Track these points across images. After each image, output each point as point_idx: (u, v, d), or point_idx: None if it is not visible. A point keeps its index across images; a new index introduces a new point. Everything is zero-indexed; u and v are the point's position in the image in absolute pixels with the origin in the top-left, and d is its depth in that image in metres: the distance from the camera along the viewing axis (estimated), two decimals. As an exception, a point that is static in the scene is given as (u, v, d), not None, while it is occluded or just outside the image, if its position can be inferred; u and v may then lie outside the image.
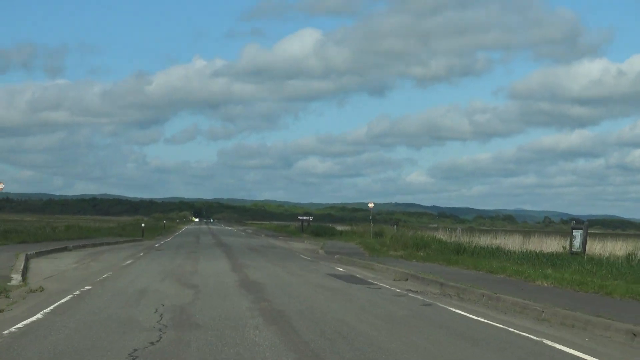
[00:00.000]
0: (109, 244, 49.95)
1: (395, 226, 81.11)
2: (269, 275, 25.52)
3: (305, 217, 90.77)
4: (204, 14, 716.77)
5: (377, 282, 25.14)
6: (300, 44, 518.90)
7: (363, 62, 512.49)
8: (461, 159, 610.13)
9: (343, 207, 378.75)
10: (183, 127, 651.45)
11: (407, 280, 26.63)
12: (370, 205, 64.99)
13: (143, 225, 66.06)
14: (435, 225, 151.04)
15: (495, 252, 37.28)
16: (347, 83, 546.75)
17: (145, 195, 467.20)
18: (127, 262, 31.18)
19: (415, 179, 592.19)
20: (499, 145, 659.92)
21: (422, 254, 41.31)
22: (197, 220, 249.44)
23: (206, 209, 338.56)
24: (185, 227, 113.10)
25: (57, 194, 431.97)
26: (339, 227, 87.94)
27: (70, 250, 41.34)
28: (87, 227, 66.69)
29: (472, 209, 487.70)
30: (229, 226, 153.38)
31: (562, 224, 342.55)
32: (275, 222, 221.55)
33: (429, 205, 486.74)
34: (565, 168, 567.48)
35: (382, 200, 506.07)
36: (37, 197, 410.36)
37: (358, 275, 28.07)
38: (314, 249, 55.26)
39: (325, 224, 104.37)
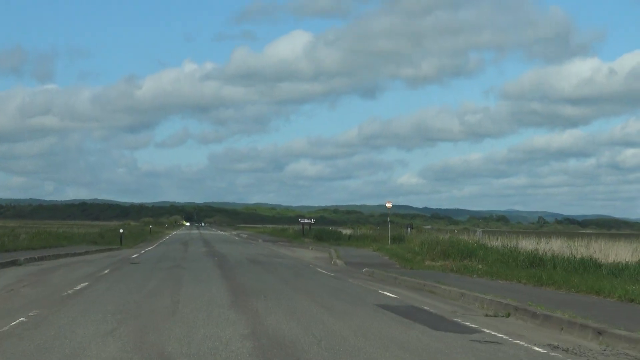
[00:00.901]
0: (76, 254, 39.72)
1: (409, 229, 71.23)
2: (297, 318, 15.05)
3: (306, 220, 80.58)
4: (194, 17, 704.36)
5: (470, 323, 15.05)
6: (291, 46, 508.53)
7: (354, 64, 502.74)
8: (452, 160, 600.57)
9: (336, 210, 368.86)
10: (173, 131, 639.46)
11: (509, 315, 16.52)
12: (389, 204, 54.87)
13: (122, 231, 55.69)
14: (429, 226, 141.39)
15: (585, 265, 27.03)
16: (338, 85, 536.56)
17: (136, 199, 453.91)
18: (79, 287, 20.88)
19: (407, 181, 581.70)
20: (490, 146, 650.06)
21: (480, 266, 31.19)
22: (188, 224, 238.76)
23: (197, 213, 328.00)
24: (173, 233, 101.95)
25: (48, 199, 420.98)
26: (343, 231, 77.77)
27: (20, 264, 31.32)
28: (60, 234, 56.31)
29: (464, 210, 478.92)
30: (222, 230, 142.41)
31: (557, 224, 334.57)
32: (269, 226, 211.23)
33: (420, 206, 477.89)
34: (556, 168, 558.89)
35: (373, 202, 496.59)
36: (28, 202, 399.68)
37: (425, 308, 17.86)
38: (325, 257, 45.24)
39: (324, 226, 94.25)
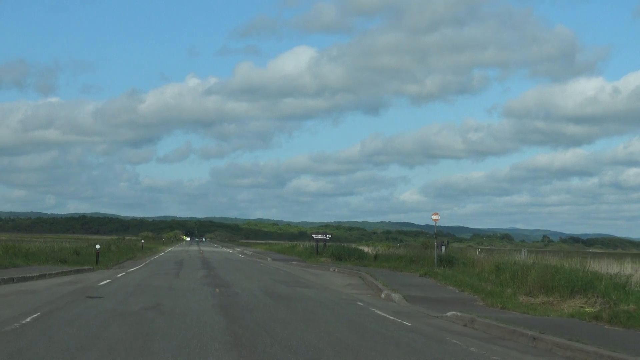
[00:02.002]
0: (22, 279, 27.61)
1: (443, 247, 59.16)
2: None
3: (321, 236, 68.32)
4: (197, 31, 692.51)
5: None
6: (294, 61, 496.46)
7: (357, 80, 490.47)
8: (454, 178, 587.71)
9: (338, 226, 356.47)
10: (176, 145, 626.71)
11: None
12: (435, 217, 42.74)
13: (98, 247, 43.34)
14: (454, 243, 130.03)
15: None
16: (342, 101, 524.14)
17: (138, 214, 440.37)
18: None
19: (409, 198, 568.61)
20: (492, 164, 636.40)
21: (625, 307, 19.08)
22: (188, 239, 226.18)
23: (198, 228, 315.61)
24: (169, 249, 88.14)
25: (49, 212, 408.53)
26: (364, 248, 65.53)
27: None
28: (23, 251, 44.00)
29: (466, 227, 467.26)
30: (224, 246, 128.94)
31: (562, 243, 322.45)
32: (272, 242, 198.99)
33: (422, 224, 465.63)
34: (558, 187, 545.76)
35: (375, 219, 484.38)
36: (29, 216, 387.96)
37: None
38: (360, 284, 33.32)
39: (336, 243, 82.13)
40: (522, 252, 56.28)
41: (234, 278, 32.71)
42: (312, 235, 68.73)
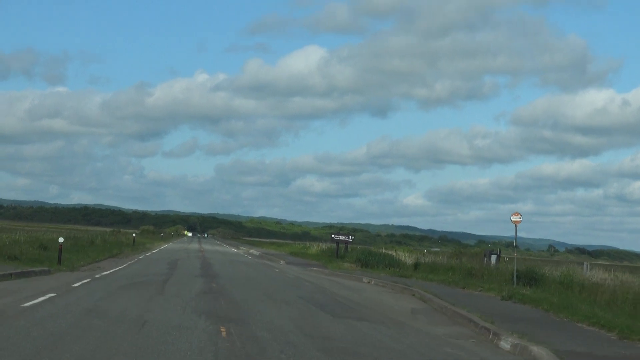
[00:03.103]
0: None
1: (494, 257, 48.12)
2: None
3: (343, 237, 56.90)
4: (208, 27, 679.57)
5: None
6: (304, 61, 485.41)
7: (367, 82, 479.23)
8: (459, 183, 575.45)
9: (342, 227, 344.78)
10: (182, 140, 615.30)
11: None
12: (516, 219, 31.44)
13: (61, 241, 31.67)
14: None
15: None
16: (350, 102, 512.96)
17: (141, 207, 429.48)
18: None
19: (412, 202, 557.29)
20: (498, 171, 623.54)
21: None
22: (190, 234, 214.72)
23: (201, 224, 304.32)
24: (165, 246, 75.46)
25: (52, 202, 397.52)
26: (393, 253, 54.13)
27: None
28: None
29: (469, 234, 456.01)
30: (227, 244, 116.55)
31: (568, 254, 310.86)
32: (276, 241, 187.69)
33: (425, 228, 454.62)
34: (563, 197, 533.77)
35: (378, 222, 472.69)
36: (32, 205, 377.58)
37: None
38: (427, 309, 22.03)
39: (359, 246, 70.96)
40: (585, 267, 45.24)
41: (247, 297, 21.19)
42: (332, 236, 57.31)
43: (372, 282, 35.85)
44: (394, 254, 52.71)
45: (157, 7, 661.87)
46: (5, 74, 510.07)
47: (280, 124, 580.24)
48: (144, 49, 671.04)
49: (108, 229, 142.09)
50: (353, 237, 57.52)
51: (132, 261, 38.95)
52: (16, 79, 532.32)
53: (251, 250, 73.53)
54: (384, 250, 53.35)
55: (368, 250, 53.60)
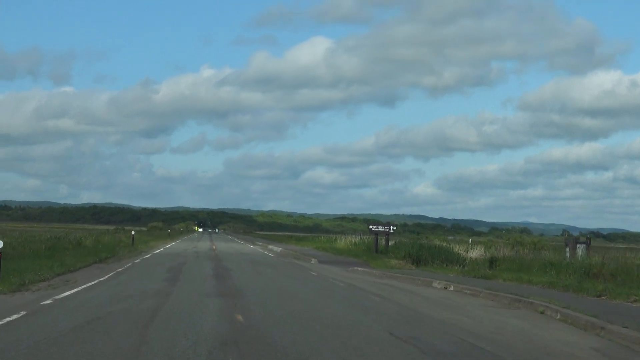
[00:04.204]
0: None
1: (581, 248, 37.76)
2: None
3: (382, 228, 46.19)
4: (212, 20, 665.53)
5: None
6: (310, 52, 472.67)
7: (374, 71, 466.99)
8: (468, 171, 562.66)
9: (354, 218, 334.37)
10: (190, 136, 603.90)
11: None
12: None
13: (0, 245, 21.25)
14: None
15: None
16: (357, 93, 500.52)
17: (151, 204, 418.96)
18: None
19: (422, 191, 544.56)
20: (507, 157, 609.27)
21: None
22: (200, 230, 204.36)
23: (211, 219, 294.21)
24: (170, 244, 61.56)
25: (62, 202, 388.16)
26: (456, 246, 43.45)
27: None
28: None
29: (480, 221, 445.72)
30: (240, 239, 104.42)
31: (583, 237, 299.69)
32: (290, 234, 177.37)
33: (436, 217, 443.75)
34: (573, 180, 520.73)
35: (388, 212, 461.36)
36: (42, 205, 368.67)
37: None
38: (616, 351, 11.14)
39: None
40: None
41: (302, 342, 10.59)
42: (370, 227, 46.59)
43: (451, 288, 25.36)
44: (449, 247, 42.10)
45: (160, 1, 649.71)
46: (11, 74, 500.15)
47: (288, 116, 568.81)
48: (149, 45, 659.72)
49: (111, 227, 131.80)
50: (395, 228, 46.84)
51: (122, 268, 28.34)
52: (22, 80, 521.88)
53: (270, 247, 62.76)
54: (436, 243, 42.65)
55: (418, 243, 42.95)
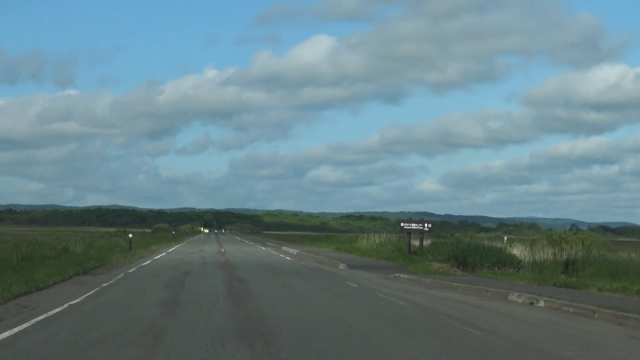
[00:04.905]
0: None
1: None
2: None
3: (415, 226, 39.65)
4: (215, 20, 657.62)
5: None
6: (314, 50, 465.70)
7: (377, 69, 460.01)
8: (474, 167, 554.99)
9: (361, 216, 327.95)
10: (194, 137, 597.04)
11: None
12: None
13: None
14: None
15: None
16: (361, 90, 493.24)
17: (157, 206, 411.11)
18: None
19: (427, 188, 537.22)
20: (512, 153, 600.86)
21: None
22: (206, 231, 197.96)
23: (217, 219, 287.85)
24: (173, 248, 53.38)
25: (68, 205, 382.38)
26: (510, 247, 36.82)
27: None
28: None
29: (486, 217, 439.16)
30: (250, 240, 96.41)
31: (592, 232, 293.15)
32: (298, 233, 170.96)
33: (442, 213, 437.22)
34: (579, 175, 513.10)
35: (394, 209, 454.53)
36: (47, 209, 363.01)
37: None
38: None
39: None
40: None
41: None
42: (402, 225, 40.02)
43: (541, 304, 18.92)
44: (500, 247, 35.51)
45: (163, 2, 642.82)
46: (15, 78, 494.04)
47: (292, 115, 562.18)
48: (152, 46, 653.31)
49: (113, 230, 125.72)
50: (430, 226, 40.27)
51: (108, 282, 21.81)
52: (25, 83, 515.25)
53: (284, 248, 56.09)
54: (486, 243, 36.07)
55: (463, 243, 36.41)
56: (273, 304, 16.19)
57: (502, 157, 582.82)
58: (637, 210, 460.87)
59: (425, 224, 39.77)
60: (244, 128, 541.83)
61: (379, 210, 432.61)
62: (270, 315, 14.28)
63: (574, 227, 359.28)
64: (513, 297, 20.63)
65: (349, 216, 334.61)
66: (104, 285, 21.19)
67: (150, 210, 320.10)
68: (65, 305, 15.80)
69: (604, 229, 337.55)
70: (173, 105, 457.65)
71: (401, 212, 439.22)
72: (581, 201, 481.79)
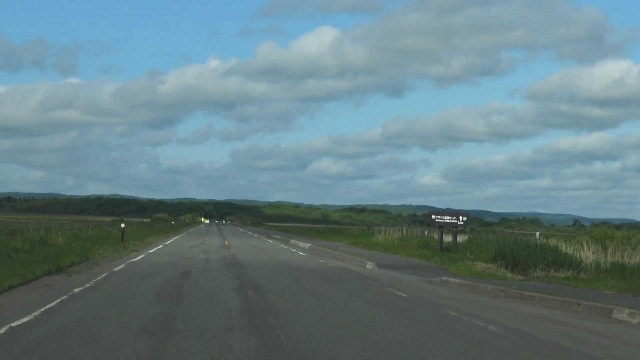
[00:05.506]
0: None
1: None
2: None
3: (449, 219, 34.23)
4: (218, 11, 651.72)
5: None
6: (317, 42, 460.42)
7: (381, 61, 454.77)
8: (476, 161, 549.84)
9: (363, 209, 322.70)
10: (196, 127, 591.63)
11: None
12: None
13: None
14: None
15: None
16: (364, 83, 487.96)
17: (157, 196, 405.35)
18: None
19: (429, 181, 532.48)
20: (514, 147, 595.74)
21: None
22: (207, 222, 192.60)
23: (218, 210, 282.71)
24: (172, 240, 47.48)
25: (68, 194, 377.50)
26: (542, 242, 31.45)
27: None
28: None
29: (487, 211, 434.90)
30: (253, 232, 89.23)
31: (594, 228, 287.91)
32: (298, 225, 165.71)
33: (443, 207, 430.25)
34: (581, 171, 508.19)
35: (395, 203, 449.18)
36: (47, 197, 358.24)
37: None
38: None
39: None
40: None
41: None
42: (434, 218, 34.60)
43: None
44: (560, 249, 30.08)
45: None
46: (17, 66, 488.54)
47: (295, 107, 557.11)
48: (155, 36, 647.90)
49: (110, 219, 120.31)
50: (465, 219, 34.82)
51: (82, 287, 16.37)
52: (28, 71, 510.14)
53: (293, 241, 50.62)
54: (537, 239, 30.66)
55: (511, 240, 31.03)
56: (315, 332, 10.72)
57: (505, 151, 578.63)
58: (639, 207, 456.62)
59: (460, 217, 34.37)
60: (246, 119, 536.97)
61: (380, 203, 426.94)
62: (309, 348, 8.86)
63: (577, 223, 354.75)
64: (622, 315, 15.27)
65: (350, 209, 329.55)
66: (75, 291, 15.80)
67: (150, 200, 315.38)
68: (4, 329, 10.42)
69: (607, 224, 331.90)
70: (175, 95, 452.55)
71: (403, 205, 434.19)
72: (583, 197, 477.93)
